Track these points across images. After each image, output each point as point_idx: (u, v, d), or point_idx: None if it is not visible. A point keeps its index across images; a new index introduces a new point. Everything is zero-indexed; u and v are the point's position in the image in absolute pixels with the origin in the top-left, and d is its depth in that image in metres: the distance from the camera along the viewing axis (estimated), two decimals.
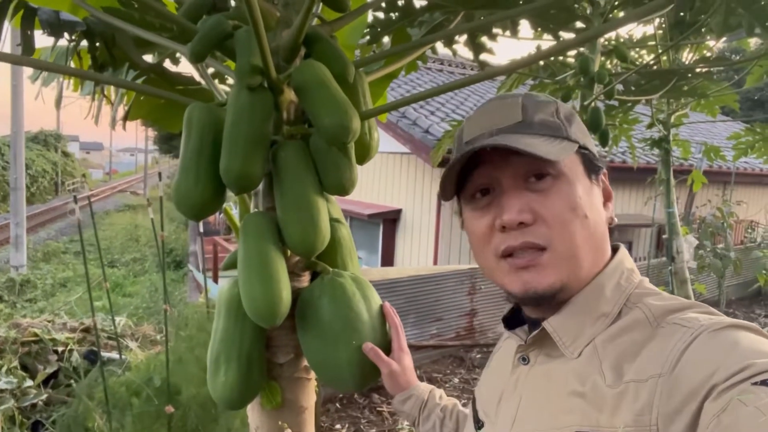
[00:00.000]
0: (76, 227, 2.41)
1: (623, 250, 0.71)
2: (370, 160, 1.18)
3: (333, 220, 1.10)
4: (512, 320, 0.76)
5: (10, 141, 10.74)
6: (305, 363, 1.10)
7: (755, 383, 0.46)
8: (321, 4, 1.18)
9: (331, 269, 1.06)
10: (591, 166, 0.69)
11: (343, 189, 1.01)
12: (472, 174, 0.69)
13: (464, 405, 0.98)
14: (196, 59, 0.95)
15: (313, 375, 1.13)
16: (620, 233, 8.12)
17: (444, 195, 0.72)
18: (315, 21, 1.16)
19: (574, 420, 0.59)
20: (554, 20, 1.94)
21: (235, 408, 1.02)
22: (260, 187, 1.09)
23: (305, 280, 1.11)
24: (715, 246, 5.97)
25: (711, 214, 6.22)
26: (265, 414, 1.09)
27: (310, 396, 1.13)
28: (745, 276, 7.55)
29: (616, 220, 0.72)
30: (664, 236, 4.50)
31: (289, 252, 1.05)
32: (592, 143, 0.71)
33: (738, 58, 3.17)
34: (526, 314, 0.73)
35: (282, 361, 1.08)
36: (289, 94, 1.03)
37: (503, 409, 0.69)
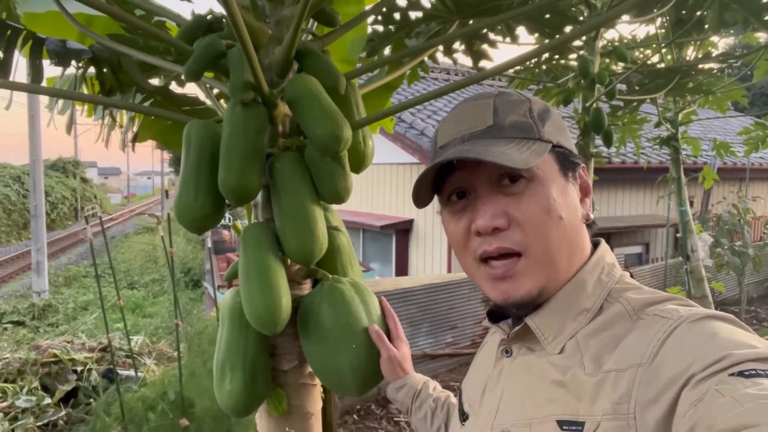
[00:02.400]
0: (96, 252, 2.48)
1: (604, 244, 0.71)
2: (366, 168, 1.21)
3: (332, 228, 1.12)
4: (497, 313, 0.77)
5: (29, 169, 11.02)
6: (310, 369, 1.12)
7: (732, 374, 0.47)
8: (314, 20, 1.22)
9: (330, 276, 1.08)
10: (566, 163, 0.68)
11: (339, 197, 1.04)
12: (447, 177, 0.70)
13: None
14: (192, 78, 0.99)
15: (318, 381, 1.15)
16: (636, 234, 8.02)
17: (418, 202, 0.73)
18: (309, 37, 1.20)
19: (555, 409, 0.60)
20: (549, 24, 1.96)
21: (241, 416, 1.04)
22: (259, 198, 1.12)
23: (306, 287, 1.13)
24: (732, 243, 5.87)
25: (726, 211, 6.11)
26: (272, 421, 1.11)
27: (316, 402, 1.15)
28: (765, 273, 7.41)
29: (592, 216, 0.71)
30: (679, 235, 4.45)
31: (289, 261, 1.07)
32: (568, 139, 0.71)
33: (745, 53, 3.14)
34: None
35: (286, 368, 1.10)
36: (283, 108, 1.07)
37: (487, 400, 0.71)
